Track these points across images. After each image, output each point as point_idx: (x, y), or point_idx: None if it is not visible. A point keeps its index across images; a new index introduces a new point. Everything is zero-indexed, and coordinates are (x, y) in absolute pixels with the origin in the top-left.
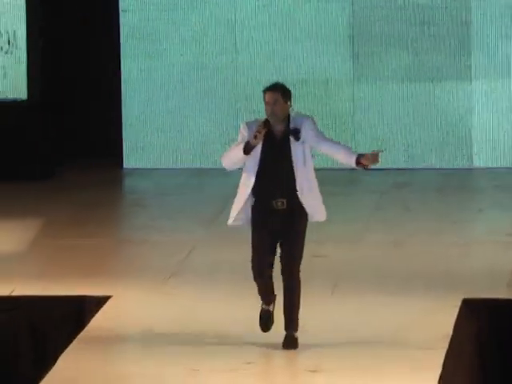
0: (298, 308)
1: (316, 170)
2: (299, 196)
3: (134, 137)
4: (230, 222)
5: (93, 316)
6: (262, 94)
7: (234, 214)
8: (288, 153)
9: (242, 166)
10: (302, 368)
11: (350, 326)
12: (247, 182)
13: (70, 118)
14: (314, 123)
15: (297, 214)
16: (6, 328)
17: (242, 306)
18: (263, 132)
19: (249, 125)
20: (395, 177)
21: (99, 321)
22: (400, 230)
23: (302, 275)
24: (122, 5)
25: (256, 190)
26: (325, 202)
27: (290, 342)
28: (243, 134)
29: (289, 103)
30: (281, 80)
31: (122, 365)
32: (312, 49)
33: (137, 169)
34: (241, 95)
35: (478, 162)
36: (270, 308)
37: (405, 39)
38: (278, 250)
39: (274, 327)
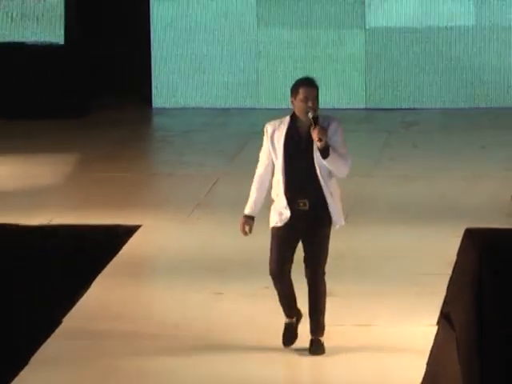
0: (323, 311)
1: (326, 109)
2: (324, 196)
3: (162, 77)
4: (271, 224)
5: (124, 244)
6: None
7: (275, 212)
8: (312, 155)
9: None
10: None
11: (360, 253)
12: (279, 185)
13: (102, 58)
14: (340, 129)
15: (322, 218)
16: (45, 255)
17: (261, 233)
18: (247, 232)
19: (271, 126)
20: (403, 116)
21: (130, 248)
22: (409, 165)
23: None
24: None
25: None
26: None
27: (317, 348)
28: (267, 137)
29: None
30: None
31: (151, 290)
32: None
33: (165, 108)
34: (262, 40)
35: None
36: (293, 321)
37: None
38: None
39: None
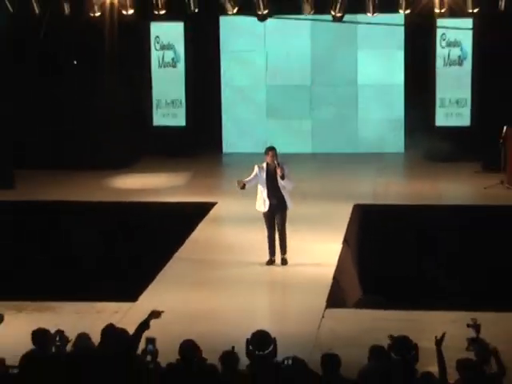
0: (286, 245)
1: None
2: (284, 196)
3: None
4: (257, 208)
5: (205, 216)
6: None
7: (260, 203)
8: (275, 178)
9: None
10: None
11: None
12: (262, 191)
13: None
14: (287, 166)
15: (282, 206)
16: (133, 229)
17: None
18: (240, 185)
19: (258, 166)
20: None
21: (215, 211)
22: None
23: None
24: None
25: (268, 201)
26: None
27: (284, 261)
28: (255, 170)
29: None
30: None
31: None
32: None
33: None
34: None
35: None
36: (273, 258)
37: None
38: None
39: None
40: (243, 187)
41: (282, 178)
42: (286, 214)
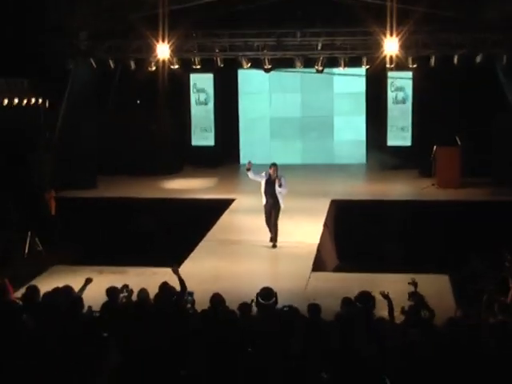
0: (277, 234)
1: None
2: (278, 199)
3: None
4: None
5: (227, 208)
6: None
7: (263, 199)
8: (274, 186)
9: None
10: None
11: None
12: (263, 192)
13: None
14: (284, 178)
15: (277, 204)
16: (178, 217)
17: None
18: (247, 167)
19: (265, 172)
20: None
21: (234, 205)
22: None
23: None
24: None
25: (265, 198)
26: None
27: (274, 246)
28: (263, 174)
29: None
30: None
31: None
32: None
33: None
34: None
35: None
36: (272, 234)
37: None
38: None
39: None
40: (248, 169)
41: (280, 186)
42: (279, 211)
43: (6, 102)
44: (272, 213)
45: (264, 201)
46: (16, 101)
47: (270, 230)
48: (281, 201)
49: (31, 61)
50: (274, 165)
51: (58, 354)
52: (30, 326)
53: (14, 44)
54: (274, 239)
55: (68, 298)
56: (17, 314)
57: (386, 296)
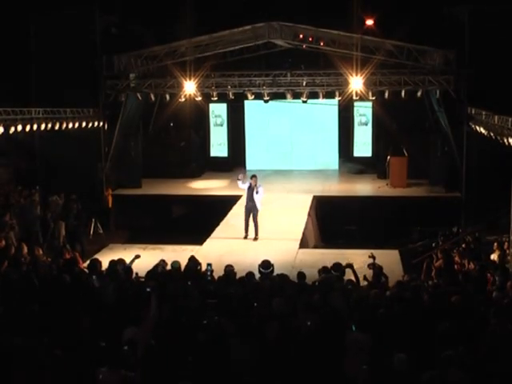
0: (258, 230)
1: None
2: (255, 203)
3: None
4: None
5: (236, 202)
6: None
7: (245, 203)
8: (253, 192)
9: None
10: None
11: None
12: (247, 201)
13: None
14: (261, 187)
15: (255, 207)
16: (200, 208)
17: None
18: (239, 177)
19: (249, 181)
20: None
21: (237, 205)
22: None
23: None
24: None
25: (246, 201)
26: None
27: (256, 239)
28: (248, 182)
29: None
30: None
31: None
32: None
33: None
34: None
35: None
36: (246, 234)
37: None
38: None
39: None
40: (239, 179)
41: (257, 193)
42: (257, 213)
43: (76, 125)
44: (251, 213)
45: (245, 203)
46: (84, 124)
47: (246, 229)
48: (258, 204)
49: (95, 94)
50: (254, 176)
51: (115, 306)
52: (96, 286)
53: (87, 83)
54: (255, 233)
55: (122, 267)
56: (84, 278)
57: (349, 265)
